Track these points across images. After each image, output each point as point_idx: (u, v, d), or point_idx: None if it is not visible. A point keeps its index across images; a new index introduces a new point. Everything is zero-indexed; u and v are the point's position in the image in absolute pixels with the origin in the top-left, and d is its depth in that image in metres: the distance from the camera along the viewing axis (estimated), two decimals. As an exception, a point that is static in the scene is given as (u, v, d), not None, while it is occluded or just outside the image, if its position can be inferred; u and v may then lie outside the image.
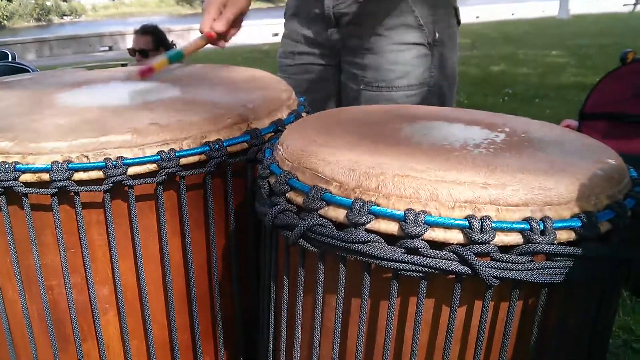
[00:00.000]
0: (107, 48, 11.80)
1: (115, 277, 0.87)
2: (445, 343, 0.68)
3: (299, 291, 0.76)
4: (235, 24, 1.29)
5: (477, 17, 15.59)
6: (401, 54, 1.41)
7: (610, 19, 13.68)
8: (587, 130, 2.69)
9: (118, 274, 0.87)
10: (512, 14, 16.98)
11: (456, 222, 0.64)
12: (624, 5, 16.94)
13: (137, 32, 3.61)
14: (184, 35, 10.51)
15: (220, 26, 1.26)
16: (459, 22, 1.50)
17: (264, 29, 12.13)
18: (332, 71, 1.54)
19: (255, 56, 9.27)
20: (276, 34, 11.06)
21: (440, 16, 1.42)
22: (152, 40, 3.54)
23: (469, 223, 0.63)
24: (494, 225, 0.63)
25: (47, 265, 0.86)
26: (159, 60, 1.20)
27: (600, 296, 0.72)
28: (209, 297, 0.94)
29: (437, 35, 1.41)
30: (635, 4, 16.68)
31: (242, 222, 0.93)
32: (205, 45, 1.28)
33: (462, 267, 0.63)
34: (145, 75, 1.15)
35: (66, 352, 0.91)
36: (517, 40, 10.28)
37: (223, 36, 1.28)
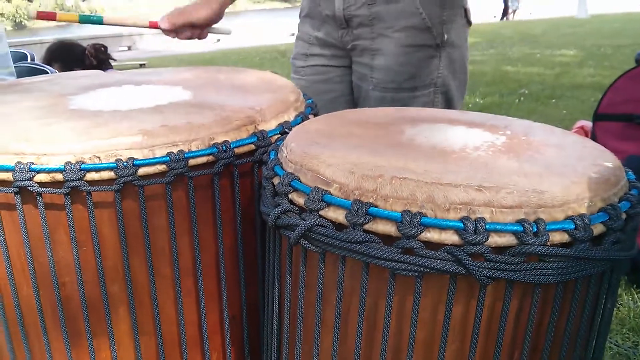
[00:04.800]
0: (125, 48, 11.90)
1: (126, 274, 0.90)
2: (441, 340, 0.70)
3: (300, 289, 0.78)
4: (194, 32, 1.48)
5: (495, 16, 15.50)
6: (409, 56, 1.43)
7: (629, 18, 13.52)
8: (601, 131, 2.67)
9: (128, 271, 0.89)
10: (530, 13, 16.86)
11: (451, 223, 0.66)
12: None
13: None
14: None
15: (163, 23, 1.44)
16: (469, 22, 1.52)
17: (280, 29, 12.15)
18: (343, 72, 1.57)
19: (272, 56, 9.31)
20: (293, 34, 10.99)
21: (449, 17, 1.44)
22: None
23: (464, 225, 0.65)
24: (487, 226, 0.65)
25: (60, 262, 0.89)
26: (69, 14, 1.20)
27: (594, 297, 0.74)
28: (217, 294, 0.96)
29: (445, 36, 1.43)
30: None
31: (248, 222, 0.95)
32: (144, 27, 1.48)
33: (457, 267, 0.65)
34: (43, 17, 1.11)
35: (78, 347, 0.93)
36: (534, 40, 10.21)
37: (174, 33, 1.46)
